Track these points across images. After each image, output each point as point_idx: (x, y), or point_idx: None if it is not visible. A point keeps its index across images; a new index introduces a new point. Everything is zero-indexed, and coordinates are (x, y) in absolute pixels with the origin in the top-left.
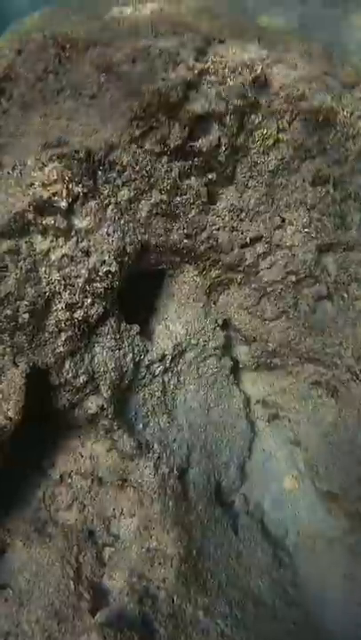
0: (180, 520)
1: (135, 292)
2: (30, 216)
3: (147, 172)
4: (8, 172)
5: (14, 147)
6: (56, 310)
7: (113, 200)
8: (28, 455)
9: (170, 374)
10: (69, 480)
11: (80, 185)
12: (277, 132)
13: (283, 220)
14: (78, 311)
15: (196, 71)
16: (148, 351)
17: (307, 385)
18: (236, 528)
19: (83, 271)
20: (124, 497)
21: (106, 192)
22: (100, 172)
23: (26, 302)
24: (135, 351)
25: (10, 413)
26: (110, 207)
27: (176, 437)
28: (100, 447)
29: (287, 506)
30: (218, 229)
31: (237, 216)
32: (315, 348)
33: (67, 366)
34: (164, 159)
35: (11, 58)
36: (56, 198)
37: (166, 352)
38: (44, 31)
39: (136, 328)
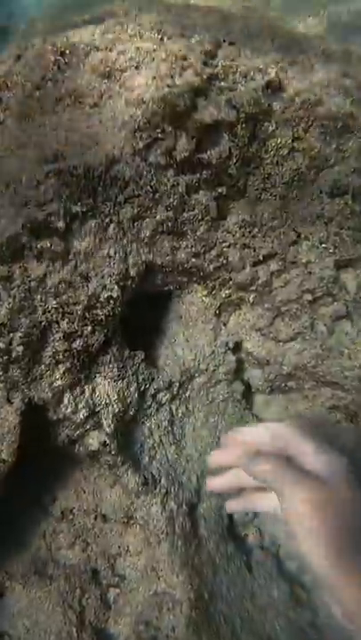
0: (190, 561)
1: (139, 315)
2: (24, 239)
3: (151, 187)
4: (1, 191)
5: (9, 162)
6: (53, 341)
7: (115, 219)
8: (27, 490)
9: (178, 402)
10: (71, 516)
11: (79, 203)
12: (292, 141)
13: (298, 235)
14: (77, 341)
15: (204, 76)
16: (153, 379)
17: (324, 409)
18: (249, 565)
19: (82, 297)
20: (130, 533)
21: (107, 210)
22: (100, 189)
23: (20, 334)
24: (140, 380)
25: (3, 455)
26: (112, 226)
27: (185, 469)
28: (103, 482)
29: None
30: (228, 247)
31: (249, 232)
32: (333, 371)
33: (65, 401)
34: (170, 173)
35: (9, 65)
36: (52, 219)
37: (174, 379)
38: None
39: (141, 355)
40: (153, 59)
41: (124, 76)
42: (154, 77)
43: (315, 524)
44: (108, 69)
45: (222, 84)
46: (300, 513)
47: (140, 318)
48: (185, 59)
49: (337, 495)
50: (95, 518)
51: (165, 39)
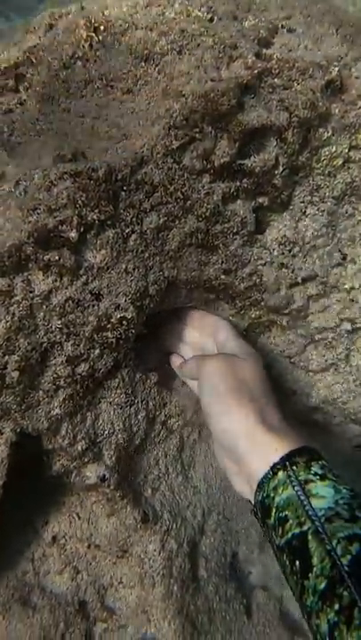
0: (185, 608)
1: (154, 330)
2: (29, 249)
3: (182, 193)
4: (10, 190)
5: (25, 150)
6: (54, 365)
7: (137, 228)
8: (18, 508)
9: (190, 428)
10: (63, 542)
11: (96, 210)
12: (349, 150)
13: (343, 257)
14: (82, 365)
15: (255, 71)
16: (166, 404)
17: (350, 446)
18: (250, 608)
19: (91, 318)
20: (124, 563)
21: (128, 219)
22: (123, 194)
23: (16, 357)
24: (150, 406)
25: None
26: (133, 237)
27: (191, 502)
28: (100, 510)
29: None
30: (264, 265)
31: (289, 251)
32: None
33: (63, 431)
34: (206, 179)
35: (38, 35)
36: (64, 227)
37: (188, 402)
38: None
39: (154, 377)
40: (198, 44)
41: (164, 61)
42: (197, 67)
43: (216, 379)
44: (146, 52)
45: (275, 80)
46: (208, 372)
47: (154, 333)
48: (235, 47)
49: (242, 364)
50: (88, 547)
51: (216, 20)
